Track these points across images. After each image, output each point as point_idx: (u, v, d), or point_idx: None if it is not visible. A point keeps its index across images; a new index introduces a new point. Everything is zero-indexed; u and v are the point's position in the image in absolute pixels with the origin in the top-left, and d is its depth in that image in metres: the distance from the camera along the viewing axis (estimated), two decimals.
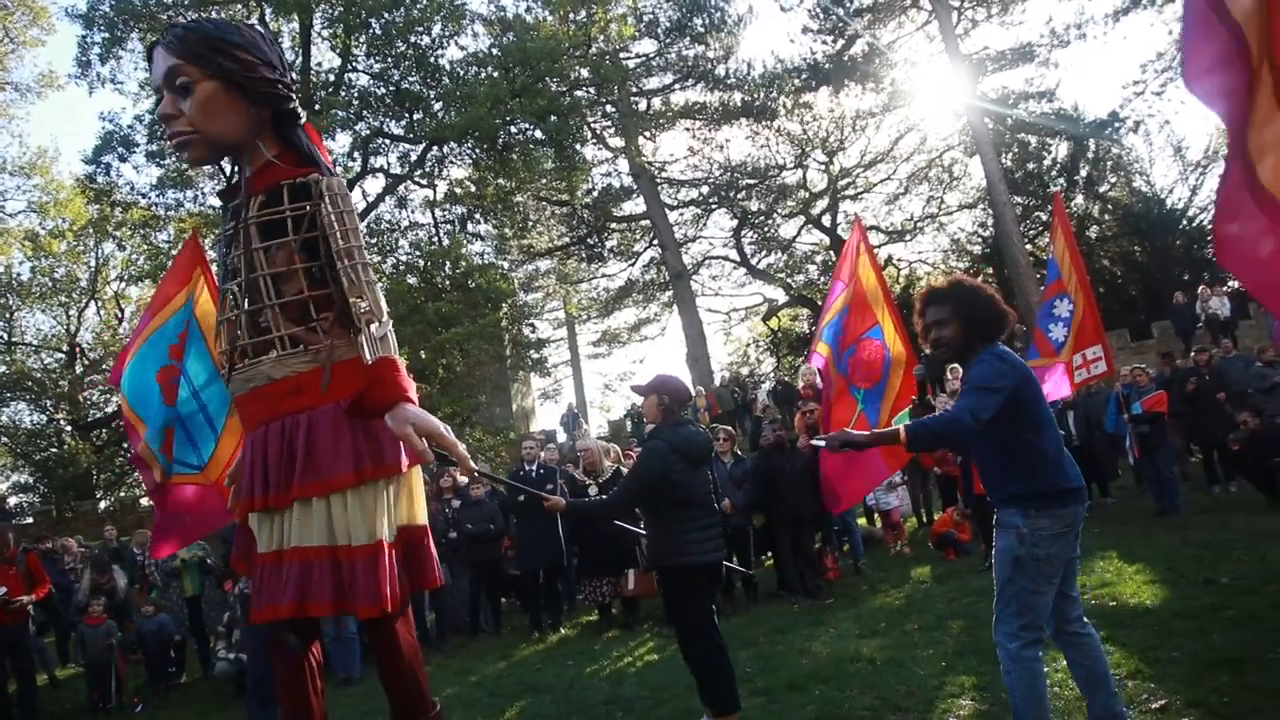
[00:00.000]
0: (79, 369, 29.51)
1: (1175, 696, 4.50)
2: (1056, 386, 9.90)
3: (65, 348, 30.28)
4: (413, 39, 21.97)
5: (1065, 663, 4.61)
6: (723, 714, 5.13)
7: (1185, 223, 29.58)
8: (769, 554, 10.73)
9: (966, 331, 3.93)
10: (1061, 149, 32.19)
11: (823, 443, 4.03)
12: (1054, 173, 32.06)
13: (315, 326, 3.45)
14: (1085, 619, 3.96)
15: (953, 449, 3.51)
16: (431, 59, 22.45)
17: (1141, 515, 10.65)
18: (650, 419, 5.59)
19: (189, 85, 3.37)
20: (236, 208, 3.56)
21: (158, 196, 22.37)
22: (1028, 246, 27.69)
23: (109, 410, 26.94)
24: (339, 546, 3.34)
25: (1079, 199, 31.90)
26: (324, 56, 23.43)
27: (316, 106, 20.20)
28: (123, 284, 30.50)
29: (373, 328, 3.38)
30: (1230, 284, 22.99)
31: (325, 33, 21.87)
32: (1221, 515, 9.71)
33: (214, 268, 3.32)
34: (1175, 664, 5.02)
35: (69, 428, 28.54)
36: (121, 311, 31.17)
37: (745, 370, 36.41)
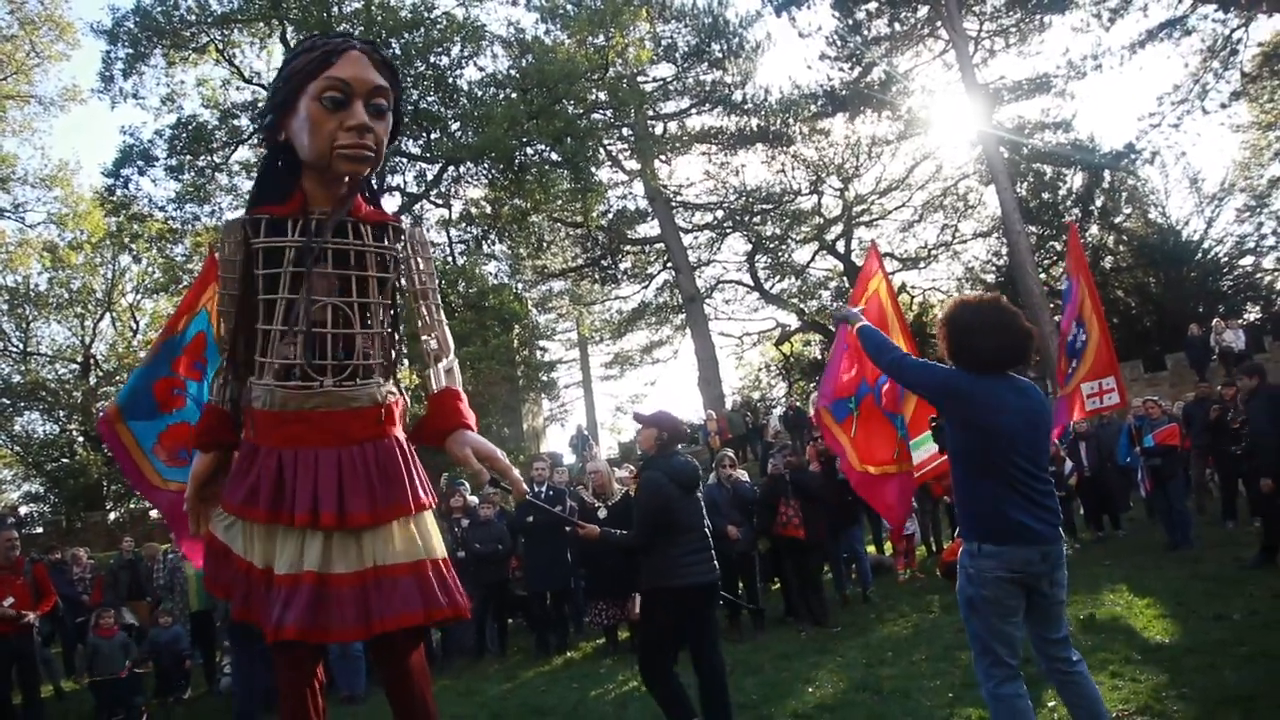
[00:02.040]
0: (93, 380, 29.65)
1: None
2: (1057, 415, 9.87)
3: (80, 359, 30.47)
4: (432, 59, 22.15)
5: (1055, 702, 4.57)
6: None
7: (1200, 255, 29.53)
8: (775, 580, 10.68)
9: (950, 355, 3.96)
10: (1077, 179, 32.26)
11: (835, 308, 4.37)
12: (1069, 203, 32.09)
13: (396, 361, 3.66)
14: (1075, 655, 3.85)
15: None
16: (450, 79, 22.63)
17: (1153, 548, 10.56)
18: (645, 448, 5.82)
19: (383, 110, 3.38)
20: (319, 224, 3.45)
21: (175, 210, 22.61)
22: (1041, 276, 27.65)
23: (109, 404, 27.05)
24: (431, 559, 3.53)
25: (1094, 229, 31.90)
26: None
27: None
28: (138, 296, 30.74)
29: (441, 364, 3.61)
30: (1246, 317, 22.94)
31: None
32: (1234, 549, 9.61)
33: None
34: (1186, 700, 4.96)
35: (81, 439, 28.65)
36: (136, 324, 31.36)
37: (757, 395, 36.41)
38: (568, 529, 8.61)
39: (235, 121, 22.55)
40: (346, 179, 3.43)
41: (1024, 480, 3.69)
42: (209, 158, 22.41)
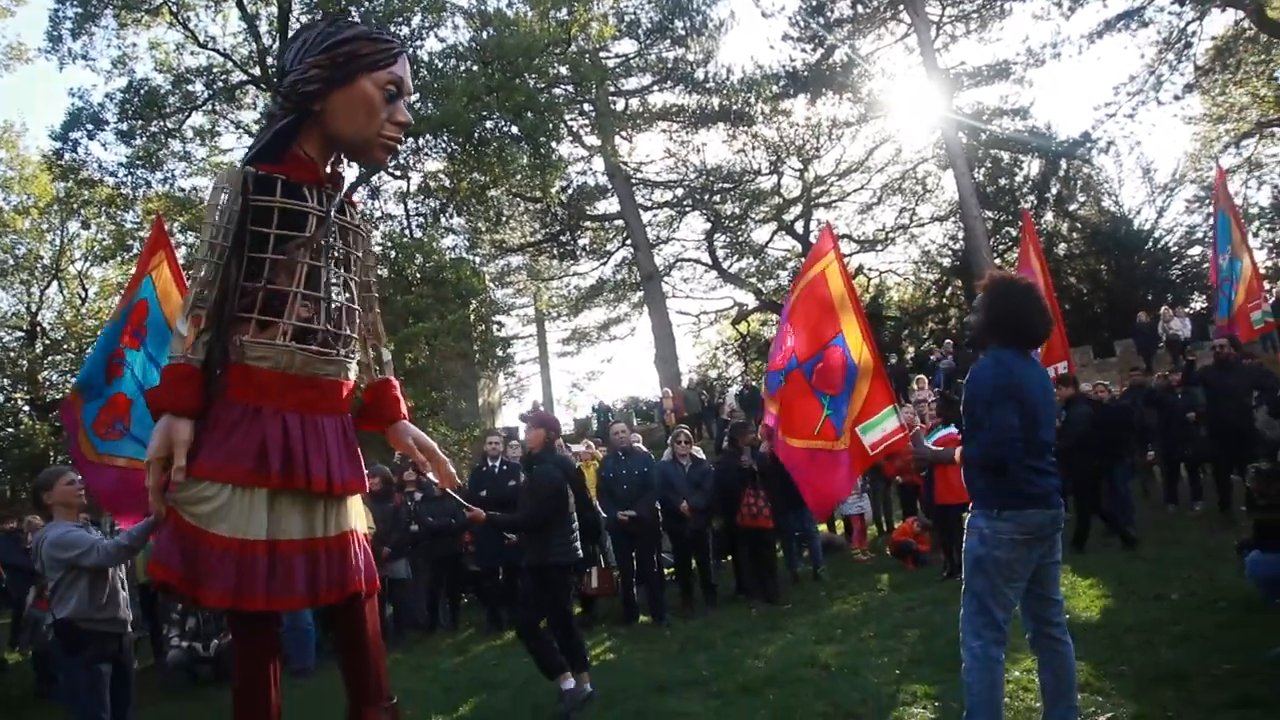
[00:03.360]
0: (39, 348, 29.04)
1: (1122, 710, 4.56)
2: None
3: (26, 326, 29.79)
4: (392, 29, 21.84)
5: (1022, 671, 4.69)
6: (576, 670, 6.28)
7: (1151, 244, 30.02)
8: (728, 557, 10.77)
9: (988, 325, 4.08)
10: (1033, 166, 32.61)
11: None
12: (1025, 189, 32.44)
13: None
14: (1065, 628, 4.04)
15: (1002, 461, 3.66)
16: (410, 50, 22.33)
17: (1097, 530, 10.74)
18: (533, 446, 6.66)
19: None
20: (330, 197, 3.66)
21: (126, 175, 22.10)
22: (997, 260, 27.96)
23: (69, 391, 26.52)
24: (360, 532, 3.76)
25: (1049, 216, 32.28)
26: None
27: None
28: (87, 264, 30.06)
29: (383, 351, 3.94)
30: (1192, 306, 23.41)
31: (304, 18, 21.65)
32: (1175, 533, 9.84)
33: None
34: (1124, 678, 5.09)
35: (27, 407, 28.08)
36: (85, 291, 30.72)
37: (714, 373, 36.55)
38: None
39: (189, 87, 22.07)
40: (356, 165, 3.71)
41: (1045, 449, 3.96)
42: (161, 123, 21.90)
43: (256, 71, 21.70)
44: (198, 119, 22.65)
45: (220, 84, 21.97)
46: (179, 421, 3.31)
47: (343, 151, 3.75)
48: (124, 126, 21.35)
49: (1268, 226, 30.12)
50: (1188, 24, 27.64)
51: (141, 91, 21.27)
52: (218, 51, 21.90)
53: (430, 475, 4.15)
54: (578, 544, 6.58)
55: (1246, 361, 10.92)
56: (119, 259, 23.48)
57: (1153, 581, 7.53)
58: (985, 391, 3.89)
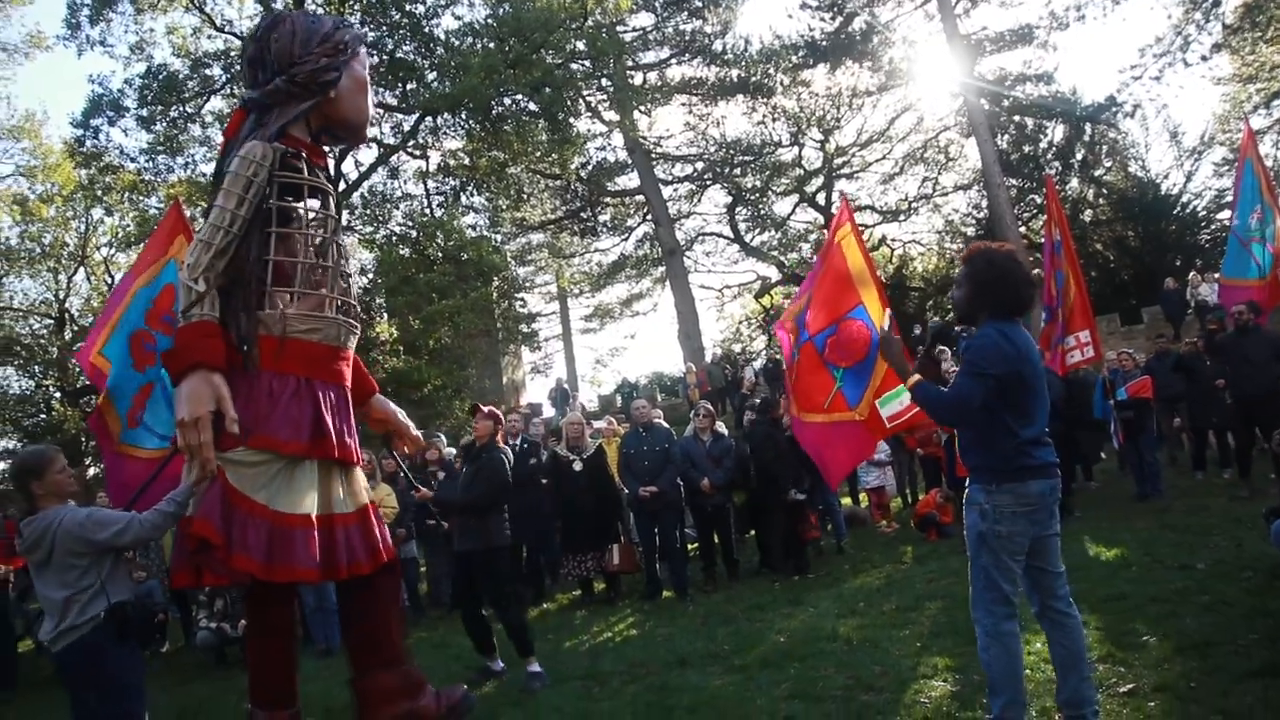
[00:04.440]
0: (68, 335, 29.34)
1: (1144, 680, 4.52)
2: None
3: (54, 313, 30.10)
4: (408, 7, 21.78)
5: (1043, 643, 4.66)
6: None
7: (1179, 209, 29.54)
8: (751, 531, 10.77)
9: (974, 297, 4.03)
10: (1058, 132, 32.11)
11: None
12: (1050, 156, 31.97)
13: None
14: (1070, 600, 4.00)
15: (940, 422, 3.67)
16: (426, 28, 22.27)
17: (1123, 499, 10.69)
18: (481, 438, 7.00)
19: None
20: (327, 175, 4.03)
21: (147, 162, 22.20)
22: (1021, 229, 27.68)
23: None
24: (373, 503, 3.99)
25: (1074, 183, 31.85)
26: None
27: None
28: (112, 249, 30.27)
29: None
30: (1221, 271, 22.99)
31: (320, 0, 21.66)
32: (1202, 500, 9.74)
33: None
34: (1146, 648, 5.04)
35: (57, 394, 28.43)
36: (111, 277, 30.92)
37: (738, 348, 36.45)
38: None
39: (207, 71, 22.10)
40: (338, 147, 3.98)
41: (1041, 419, 3.93)
42: (181, 108, 21.97)
43: None
44: (216, 103, 22.67)
45: (238, 67, 21.97)
46: (217, 375, 3.38)
47: (339, 133, 4.09)
48: (144, 112, 21.43)
49: None
50: None
51: (160, 77, 21.32)
52: (235, 35, 21.88)
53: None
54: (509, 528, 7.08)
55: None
56: (143, 245, 23.61)
57: (1179, 550, 7.45)
58: (983, 356, 3.82)
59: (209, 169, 22.73)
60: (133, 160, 22.36)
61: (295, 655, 3.82)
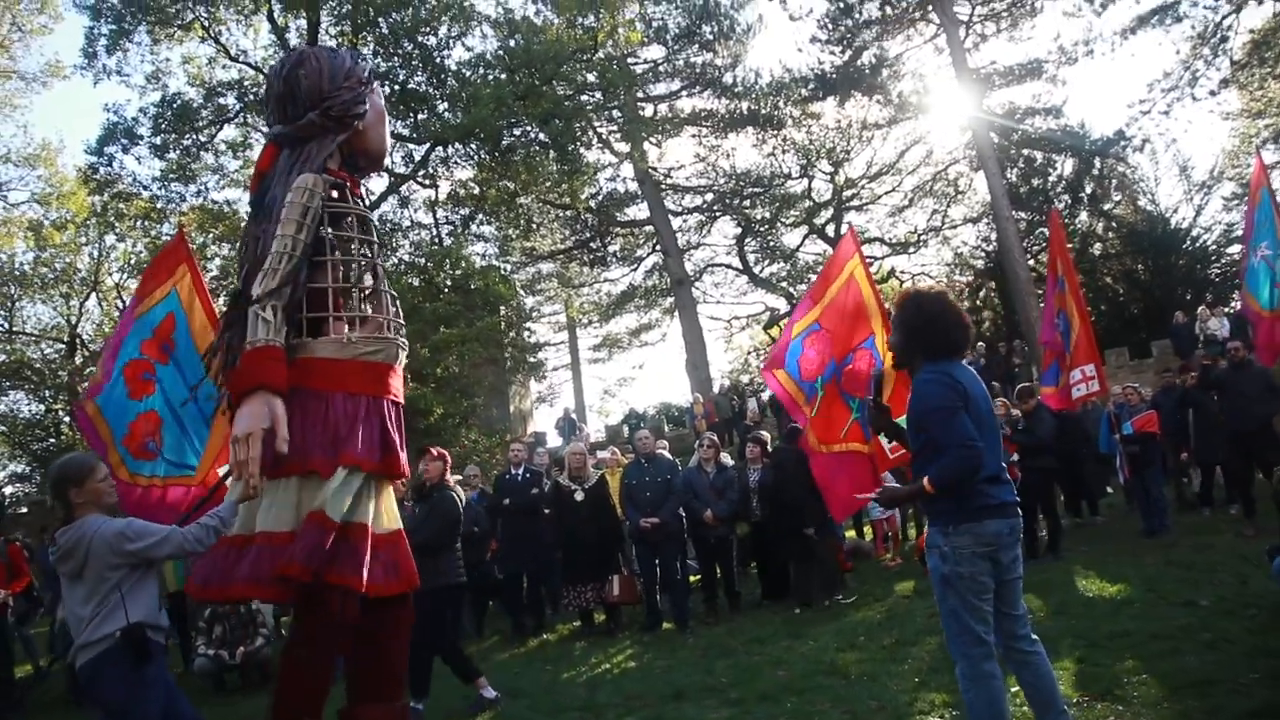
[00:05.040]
0: (79, 360, 29.50)
1: (1142, 718, 4.47)
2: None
3: (66, 339, 30.29)
4: (420, 39, 22.00)
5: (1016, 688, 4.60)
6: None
7: (1188, 243, 29.49)
8: (753, 564, 10.72)
9: (907, 342, 4.06)
10: (1067, 166, 32.13)
11: (873, 496, 4.47)
12: (1059, 189, 31.98)
13: None
14: (1034, 636, 3.95)
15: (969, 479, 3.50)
16: (438, 59, 22.48)
17: (1130, 534, 10.61)
18: (433, 478, 7.31)
19: None
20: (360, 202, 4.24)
21: (160, 189, 22.38)
22: (1030, 262, 27.64)
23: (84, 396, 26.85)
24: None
25: (1083, 216, 31.84)
26: None
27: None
28: (124, 276, 30.49)
29: None
30: (1232, 305, 22.99)
31: (333, 30, 21.88)
32: (1208, 537, 9.65)
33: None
34: (1146, 685, 4.99)
35: (67, 419, 28.51)
36: (122, 303, 31.16)
37: (745, 379, 36.38)
38: None
39: (221, 100, 22.33)
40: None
41: (994, 458, 3.87)
42: (194, 136, 22.18)
43: None
44: (229, 132, 22.92)
45: (251, 96, 22.18)
46: (276, 399, 3.52)
47: (360, 162, 4.28)
48: (157, 140, 21.63)
49: None
50: (1223, 18, 27.19)
51: (174, 105, 21.55)
52: (249, 64, 22.14)
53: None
54: (463, 567, 7.41)
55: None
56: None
57: (1183, 587, 7.39)
58: (935, 403, 3.79)
59: (220, 196, 22.98)
60: (145, 188, 22.57)
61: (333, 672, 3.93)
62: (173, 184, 22.24)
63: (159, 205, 22.64)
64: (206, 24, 21.60)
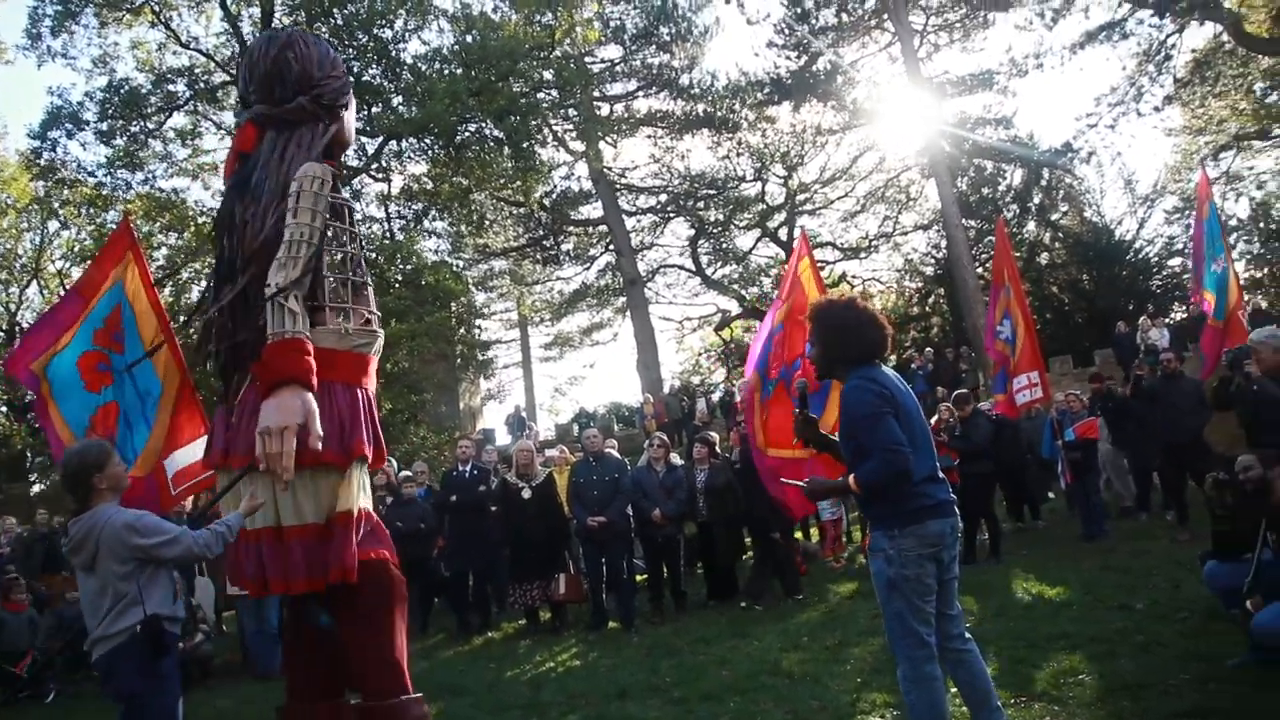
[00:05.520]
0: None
1: (1075, 718, 4.55)
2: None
3: (4, 326, 29.54)
4: (375, 32, 21.76)
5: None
6: None
7: (1132, 254, 30.11)
8: (700, 564, 10.76)
9: (825, 353, 4.11)
10: (1016, 176, 32.66)
11: (802, 484, 4.41)
12: (1007, 199, 32.50)
13: None
14: (967, 635, 4.01)
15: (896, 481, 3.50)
16: (393, 52, 22.25)
17: (1070, 539, 10.80)
18: None
19: None
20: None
21: (106, 176, 21.90)
22: (978, 269, 28.02)
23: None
24: None
25: (1031, 226, 32.35)
26: None
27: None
28: (67, 264, 29.79)
29: None
30: (1172, 316, 23.51)
31: (286, 20, 21.57)
32: (1144, 542, 9.86)
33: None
34: (1082, 687, 5.10)
35: (4, 408, 27.87)
36: (65, 290, 30.49)
37: (696, 379, 36.50)
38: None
39: (171, 87, 21.92)
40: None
41: (927, 458, 3.92)
42: (142, 123, 21.73)
43: None
44: (179, 119, 22.49)
45: (202, 84, 21.82)
46: (309, 393, 3.53)
47: (335, 152, 4.25)
48: (104, 126, 21.16)
49: (1245, 239, 30.32)
50: (1167, 36, 27.81)
51: (122, 91, 21.08)
52: (200, 51, 21.75)
53: None
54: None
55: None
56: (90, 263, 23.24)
57: (1120, 591, 7.54)
58: (863, 410, 3.82)
59: (168, 185, 22.53)
60: (91, 174, 22.07)
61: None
62: (119, 171, 21.78)
63: (104, 192, 22.11)
64: (157, 9, 21.18)
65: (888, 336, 4.07)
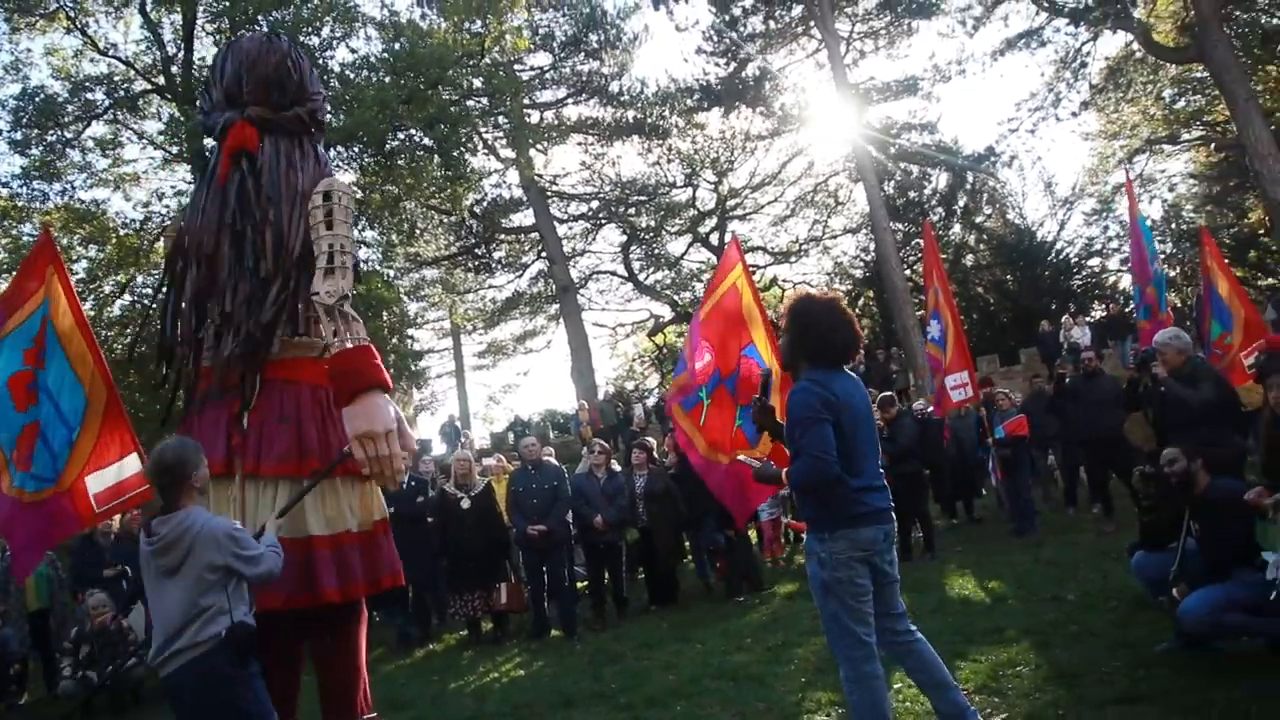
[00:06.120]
0: None
1: (1016, 709, 4.67)
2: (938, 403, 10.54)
3: None
4: (302, 39, 21.43)
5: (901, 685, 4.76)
6: None
7: (1053, 255, 30.95)
8: (640, 570, 10.78)
9: (790, 348, 4.18)
10: (941, 180, 33.37)
11: (755, 464, 4.50)
12: (933, 202, 33.17)
13: None
14: (911, 626, 4.08)
15: (819, 483, 3.55)
16: (321, 59, 21.93)
17: (1002, 534, 11.03)
18: None
19: None
20: None
21: (21, 187, 21.22)
22: (906, 272, 28.55)
23: None
24: None
25: (956, 228, 33.09)
26: (208, 51, 22.62)
27: (198, 102, 19.44)
28: None
29: None
30: (1092, 315, 24.18)
31: (210, 27, 21.15)
32: (1073, 536, 10.11)
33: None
34: (1020, 678, 5.21)
35: None
36: None
37: (630, 385, 36.59)
38: None
39: (89, 95, 21.32)
40: None
41: (870, 467, 3.96)
42: (59, 132, 21.11)
43: (161, 80, 21.09)
44: (98, 129, 21.89)
45: (122, 93, 21.26)
46: (390, 399, 3.71)
47: None
48: (18, 135, 20.53)
49: (1159, 239, 31.32)
50: (1082, 44, 28.64)
51: (37, 99, 20.46)
52: (119, 59, 21.21)
53: None
54: None
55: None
56: (13, 277, 22.49)
57: (1051, 583, 7.73)
58: (802, 413, 3.87)
59: (89, 195, 21.89)
60: (5, 185, 21.37)
61: None
62: (35, 182, 21.11)
63: (20, 204, 21.43)
64: (72, 14, 20.63)
65: (857, 343, 4.13)
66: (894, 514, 4.05)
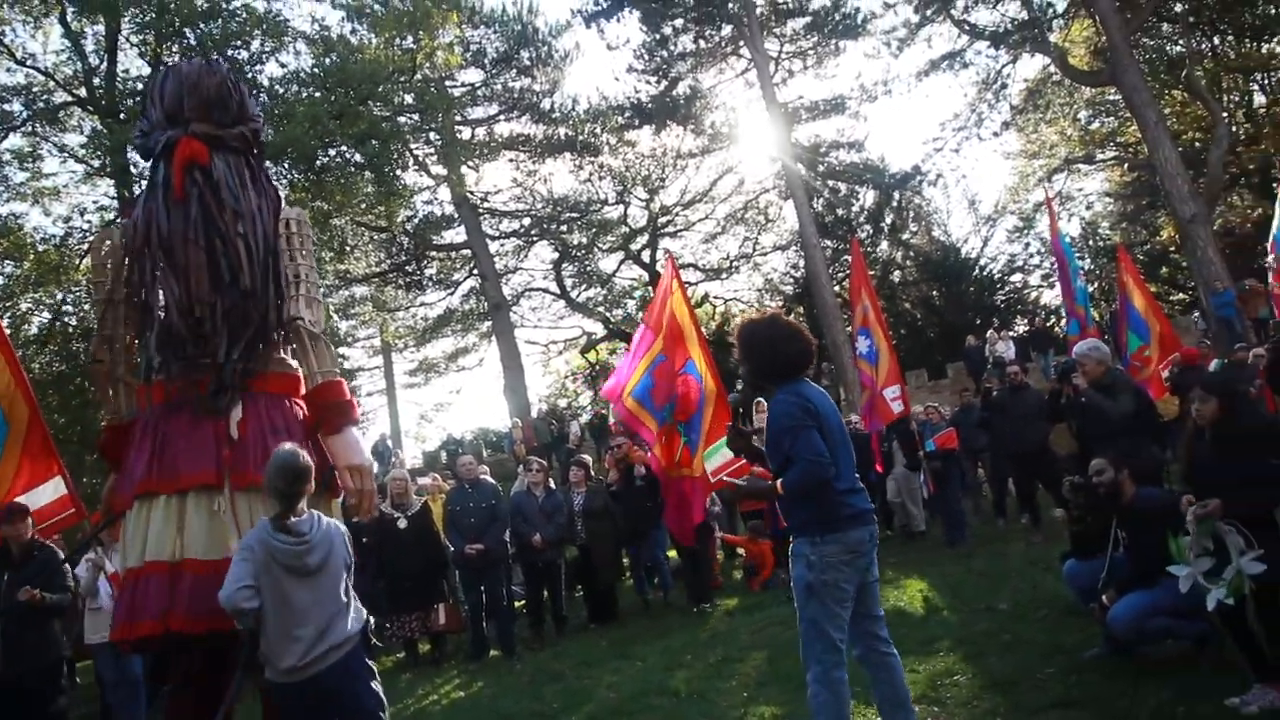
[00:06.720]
0: None
1: (955, 718, 4.75)
2: (870, 417, 10.68)
3: None
4: (230, 53, 21.07)
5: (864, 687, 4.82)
6: None
7: (977, 271, 31.69)
8: (579, 587, 10.75)
9: (751, 370, 4.30)
10: (868, 197, 33.98)
11: (742, 483, 4.60)
12: (861, 219, 33.77)
13: None
14: (891, 642, 4.16)
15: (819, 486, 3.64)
16: (250, 74, 21.59)
17: (934, 546, 11.21)
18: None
19: None
20: None
21: None
22: (835, 288, 28.96)
23: None
24: None
25: (884, 245, 33.69)
26: (132, 63, 22.15)
27: (122, 115, 19.05)
28: None
29: None
30: (1016, 329, 24.78)
31: (134, 39, 20.69)
32: (1002, 545, 10.33)
33: None
34: (957, 687, 5.31)
35: None
36: None
37: (563, 402, 36.52)
38: None
39: (6, 106, 20.69)
40: None
41: (848, 470, 4.07)
42: None
43: (82, 92, 20.56)
44: (15, 140, 21.25)
45: (41, 104, 20.68)
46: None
47: None
48: None
49: (1078, 255, 32.28)
50: (1002, 67, 29.48)
51: None
52: (38, 69, 20.63)
53: None
54: None
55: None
56: None
57: (983, 593, 7.87)
58: (787, 422, 3.97)
59: (5, 209, 21.18)
60: None
61: None
62: None
63: None
64: None
65: (812, 349, 4.23)
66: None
